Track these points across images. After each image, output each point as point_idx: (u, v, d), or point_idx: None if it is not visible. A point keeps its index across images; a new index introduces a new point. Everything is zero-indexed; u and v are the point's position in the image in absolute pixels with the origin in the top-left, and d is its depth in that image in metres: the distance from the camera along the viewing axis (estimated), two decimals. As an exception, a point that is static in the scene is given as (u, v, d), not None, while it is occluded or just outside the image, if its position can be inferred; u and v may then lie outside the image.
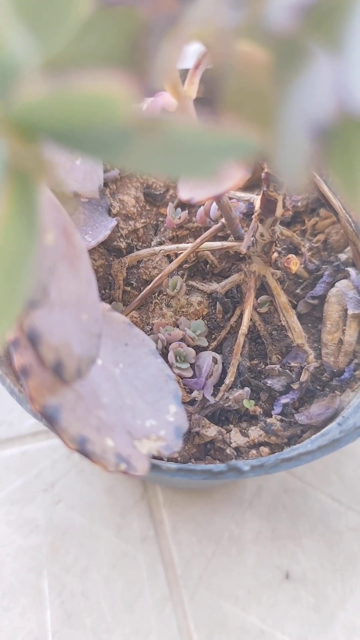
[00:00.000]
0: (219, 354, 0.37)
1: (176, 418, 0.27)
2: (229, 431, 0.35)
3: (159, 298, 0.39)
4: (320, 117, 0.10)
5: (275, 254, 0.37)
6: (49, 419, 0.21)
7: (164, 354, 0.36)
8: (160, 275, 0.38)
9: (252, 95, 0.13)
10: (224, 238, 0.40)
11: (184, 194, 0.25)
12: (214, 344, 0.38)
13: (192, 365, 0.36)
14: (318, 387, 0.37)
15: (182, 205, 0.43)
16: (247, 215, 0.40)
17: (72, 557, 0.40)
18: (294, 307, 0.40)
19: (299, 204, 0.42)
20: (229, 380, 0.36)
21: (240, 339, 0.36)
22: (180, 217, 0.41)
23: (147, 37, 0.14)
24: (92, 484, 0.43)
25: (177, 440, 0.26)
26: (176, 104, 0.26)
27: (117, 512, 0.42)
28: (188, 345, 0.37)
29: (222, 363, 0.37)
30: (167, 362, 0.35)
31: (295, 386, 0.36)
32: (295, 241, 0.41)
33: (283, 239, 0.41)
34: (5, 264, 0.12)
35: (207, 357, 0.36)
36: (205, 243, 0.38)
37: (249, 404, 0.35)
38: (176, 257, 0.39)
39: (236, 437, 0.34)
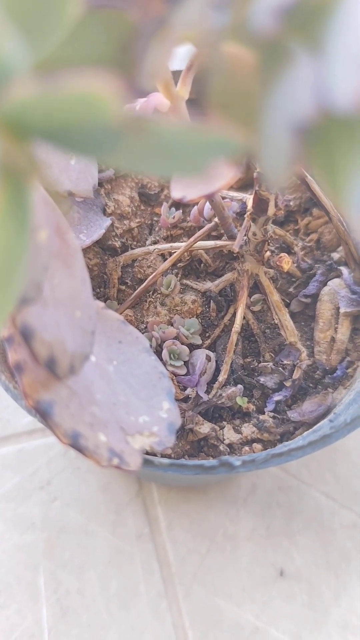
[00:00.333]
0: (212, 351, 0.38)
1: (169, 414, 0.27)
2: (222, 428, 0.35)
3: (153, 296, 0.40)
4: (301, 116, 0.11)
5: (268, 253, 0.37)
6: (43, 414, 0.22)
7: (157, 351, 0.37)
8: (154, 274, 0.38)
9: (238, 95, 0.13)
10: (218, 237, 0.41)
11: (176, 193, 0.26)
12: (208, 342, 0.38)
13: (185, 363, 0.37)
14: (310, 385, 0.37)
15: (177, 205, 0.43)
16: (240, 214, 0.41)
17: (68, 555, 0.41)
18: (287, 305, 0.40)
19: (292, 203, 0.43)
20: (222, 377, 0.36)
21: (234, 337, 0.36)
22: (174, 217, 0.41)
23: (137, 39, 0.14)
24: (88, 482, 0.43)
25: (169, 436, 0.26)
26: (169, 104, 0.26)
27: (113, 509, 0.42)
28: (182, 343, 0.37)
29: (216, 361, 0.37)
30: (161, 359, 0.36)
31: (287, 384, 0.36)
32: (288, 240, 0.41)
33: (276, 238, 0.41)
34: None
35: (201, 354, 0.37)
36: (199, 242, 0.38)
37: (242, 401, 0.36)
38: (170, 256, 0.39)
39: (229, 434, 0.35)
